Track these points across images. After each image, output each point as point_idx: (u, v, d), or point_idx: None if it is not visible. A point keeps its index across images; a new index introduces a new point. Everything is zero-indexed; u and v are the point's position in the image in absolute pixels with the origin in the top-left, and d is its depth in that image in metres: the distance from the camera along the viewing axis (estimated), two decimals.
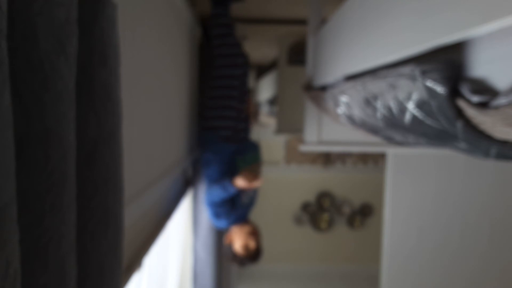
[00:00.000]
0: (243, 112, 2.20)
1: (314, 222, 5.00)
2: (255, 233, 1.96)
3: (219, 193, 1.93)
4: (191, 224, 2.45)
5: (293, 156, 4.87)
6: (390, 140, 1.34)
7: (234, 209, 2.02)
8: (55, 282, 0.44)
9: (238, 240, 1.93)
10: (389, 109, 0.95)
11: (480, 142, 0.72)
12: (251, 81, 2.98)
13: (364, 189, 4.95)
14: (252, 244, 1.93)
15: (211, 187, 1.97)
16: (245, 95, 2.22)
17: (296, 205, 4.99)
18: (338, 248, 5.05)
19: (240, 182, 1.85)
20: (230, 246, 1.99)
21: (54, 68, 0.43)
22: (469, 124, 0.70)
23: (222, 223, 2.02)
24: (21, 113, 0.41)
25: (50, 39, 0.42)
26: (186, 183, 2.33)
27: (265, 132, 4.44)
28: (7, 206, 0.33)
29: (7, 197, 0.33)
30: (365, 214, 4.99)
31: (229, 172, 2.03)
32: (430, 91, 0.73)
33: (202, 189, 2.35)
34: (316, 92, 1.87)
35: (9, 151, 0.34)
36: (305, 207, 4.99)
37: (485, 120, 0.65)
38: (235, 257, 1.96)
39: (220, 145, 2.07)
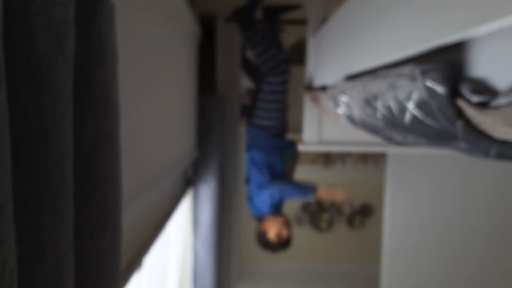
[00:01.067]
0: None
1: (314, 222, 5.00)
2: (288, 223, 2.19)
3: (294, 193, 2.18)
4: (191, 224, 2.45)
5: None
6: (390, 140, 1.34)
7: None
8: (53, 282, 0.44)
9: (272, 228, 2.14)
10: (389, 109, 0.95)
11: (480, 142, 0.72)
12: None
13: (364, 189, 4.94)
14: (285, 232, 2.15)
15: (283, 188, 2.19)
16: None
17: (296, 205, 4.99)
18: (338, 248, 5.05)
19: (324, 193, 2.15)
20: (263, 234, 2.19)
21: (52, 68, 0.42)
22: (469, 124, 0.70)
23: (266, 212, 2.24)
24: (19, 113, 0.41)
25: (48, 39, 0.42)
26: (186, 183, 2.33)
27: None
28: (4, 206, 0.33)
29: (4, 197, 0.33)
30: (365, 214, 4.98)
31: (272, 164, 2.26)
32: (430, 91, 0.72)
33: (203, 189, 2.36)
34: (316, 92, 1.87)
35: (5, 150, 0.34)
36: (305, 207, 4.99)
37: (485, 120, 0.65)
38: (268, 244, 2.17)
39: (270, 140, 2.31)
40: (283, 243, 2.17)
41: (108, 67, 0.55)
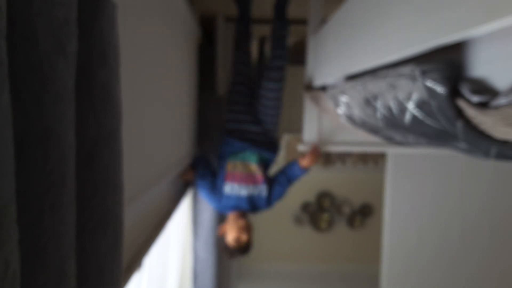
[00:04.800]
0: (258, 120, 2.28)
1: (314, 222, 5.00)
2: (247, 227, 2.06)
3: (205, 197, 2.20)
4: (191, 224, 2.45)
5: (293, 156, 4.86)
6: (390, 140, 1.34)
7: (217, 195, 2.17)
8: (54, 282, 0.44)
9: (231, 232, 2.05)
10: (389, 109, 0.95)
11: (480, 142, 0.72)
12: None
13: (364, 189, 4.94)
14: (244, 237, 2.03)
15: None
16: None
17: (296, 205, 4.98)
18: (338, 248, 5.05)
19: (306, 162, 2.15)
20: (222, 238, 2.11)
21: (53, 68, 0.43)
22: (469, 124, 0.70)
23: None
24: (20, 113, 0.41)
25: (50, 39, 0.42)
26: (186, 183, 2.33)
27: None
28: (7, 206, 0.33)
29: (7, 197, 0.33)
30: (365, 214, 4.98)
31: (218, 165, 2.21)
32: (430, 91, 0.73)
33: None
34: (316, 92, 1.87)
35: (8, 151, 0.34)
36: (305, 207, 4.99)
37: (485, 120, 0.65)
38: (226, 248, 2.08)
39: (226, 139, 2.23)
40: (242, 248, 2.06)
41: (109, 67, 0.55)
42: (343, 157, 4.87)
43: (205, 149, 2.43)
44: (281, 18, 2.30)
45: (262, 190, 2.16)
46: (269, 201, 2.18)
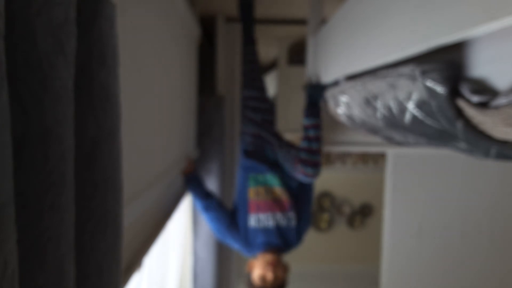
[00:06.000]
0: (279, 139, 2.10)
1: (314, 222, 5.00)
2: (273, 264, 1.77)
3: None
4: (191, 224, 2.45)
5: None
6: (390, 140, 1.34)
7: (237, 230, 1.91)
8: (54, 282, 0.44)
9: (256, 269, 1.78)
10: (389, 109, 0.95)
11: (480, 142, 0.72)
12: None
13: (364, 189, 4.94)
14: (269, 276, 1.73)
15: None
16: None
17: None
18: (338, 248, 5.05)
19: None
20: (248, 274, 1.84)
21: (52, 68, 0.42)
22: (469, 124, 0.70)
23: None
24: (20, 113, 0.41)
25: (49, 39, 0.42)
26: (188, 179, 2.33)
27: None
28: (5, 206, 0.33)
29: (5, 197, 0.33)
30: (365, 214, 4.98)
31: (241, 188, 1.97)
32: (430, 91, 0.72)
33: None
34: None
35: (6, 150, 0.34)
36: None
37: (485, 120, 0.65)
38: (251, 287, 1.79)
39: (245, 159, 2.01)
40: None
41: (109, 67, 0.55)
42: (343, 157, 4.87)
43: (205, 147, 2.43)
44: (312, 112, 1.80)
45: (290, 218, 1.87)
46: (299, 232, 1.90)
